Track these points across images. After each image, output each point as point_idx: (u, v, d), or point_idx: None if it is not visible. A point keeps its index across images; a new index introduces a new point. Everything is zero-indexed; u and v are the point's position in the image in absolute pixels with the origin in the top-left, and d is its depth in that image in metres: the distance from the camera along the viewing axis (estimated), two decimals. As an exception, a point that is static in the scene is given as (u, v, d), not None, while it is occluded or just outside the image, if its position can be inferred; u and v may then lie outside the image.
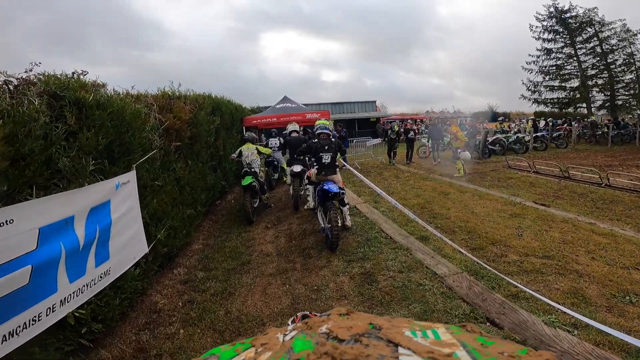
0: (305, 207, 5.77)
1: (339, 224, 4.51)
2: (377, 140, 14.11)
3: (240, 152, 6.81)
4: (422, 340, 0.32)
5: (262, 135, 13.49)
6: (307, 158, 6.11)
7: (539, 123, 17.59)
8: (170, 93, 5.40)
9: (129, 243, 3.36)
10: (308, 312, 1.33)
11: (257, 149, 6.84)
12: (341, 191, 4.69)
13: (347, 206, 5.26)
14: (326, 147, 4.94)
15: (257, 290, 3.99)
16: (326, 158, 4.92)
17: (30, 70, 2.72)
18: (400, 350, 0.30)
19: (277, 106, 11.89)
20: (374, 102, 26.98)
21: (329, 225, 4.52)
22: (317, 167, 5.03)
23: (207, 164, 6.76)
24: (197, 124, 5.70)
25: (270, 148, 10.04)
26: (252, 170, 6.61)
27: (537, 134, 15.22)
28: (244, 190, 6.49)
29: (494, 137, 13.71)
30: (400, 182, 9.12)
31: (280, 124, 11.03)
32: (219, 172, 7.70)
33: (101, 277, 2.91)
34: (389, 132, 12.59)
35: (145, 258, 3.87)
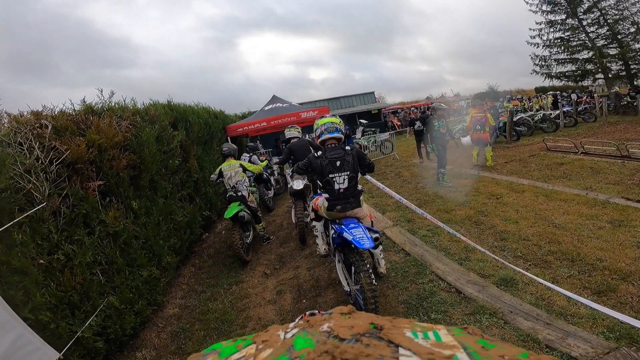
0: (318, 252, 3.57)
1: (374, 284, 2.69)
2: (386, 135, 12.23)
3: (221, 171, 5.07)
4: (423, 341, 0.31)
5: (258, 142, 11.65)
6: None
7: (561, 98, 15.84)
8: (92, 107, 3.55)
9: None
10: (316, 311, 1.25)
11: (241, 165, 5.12)
12: (375, 237, 2.84)
13: (381, 247, 3.33)
14: (338, 163, 2.88)
15: None
16: (341, 182, 2.89)
17: None
18: (401, 351, 0.29)
19: (266, 108, 9.94)
20: (372, 93, 25.05)
21: (358, 287, 2.72)
22: (327, 196, 3.00)
23: (175, 196, 4.96)
24: (141, 146, 3.88)
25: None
26: (239, 194, 4.95)
27: (564, 109, 13.39)
28: (232, 223, 4.85)
29: (518, 117, 11.90)
30: (429, 185, 7.26)
31: (272, 128, 9.21)
32: (197, 201, 5.90)
33: None
34: (417, 123, 9.53)
35: None
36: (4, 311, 2.00)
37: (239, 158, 6.66)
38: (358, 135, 14.30)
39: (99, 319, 2.81)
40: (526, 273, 2.73)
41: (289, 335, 0.37)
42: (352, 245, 2.73)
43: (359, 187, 3.05)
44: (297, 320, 1.52)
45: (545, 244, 3.73)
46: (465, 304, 2.92)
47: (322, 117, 3.15)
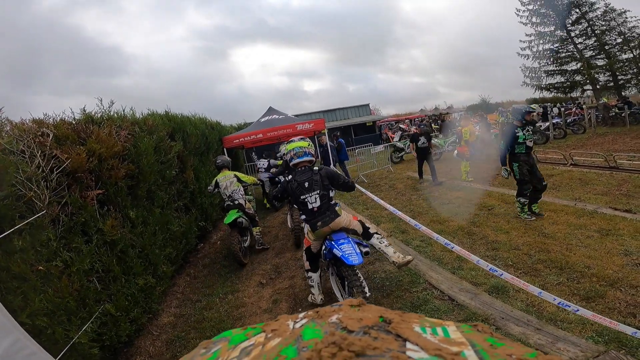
0: (309, 299, 3.52)
1: (367, 295, 2.74)
2: (381, 147, 12.38)
3: (217, 182, 5.40)
4: (431, 337, 0.31)
5: (253, 154, 11.72)
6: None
7: (550, 110, 16.16)
8: (92, 116, 3.61)
9: None
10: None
11: (235, 175, 5.44)
12: (365, 251, 2.92)
13: (384, 240, 3.18)
14: (307, 184, 2.99)
15: None
16: (312, 201, 2.99)
17: None
18: (408, 345, 0.29)
19: (262, 120, 10.05)
20: (367, 105, 25.27)
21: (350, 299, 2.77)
22: (304, 217, 3.11)
23: (172, 206, 4.99)
24: (139, 156, 3.92)
25: (258, 170, 8.70)
26: (236, 202, 5.25)
27: (554, 122, 13.69)
28: (230, 229, 5.19)
29: (509, 130, 12.13)
30: (423, 196, 7.38)
31: (269, 139, 9.27)
32: (193, 211, 5.92)
33: None
34: (420, 139, 8.33)
35: None
36: (2, 316, 2.02)
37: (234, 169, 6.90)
38: (396, 138, 15.26)
39: (95, 325, 2.80)
40: (514, 278, 2.80)
41: (298, 325, 0.37)
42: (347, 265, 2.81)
43: (332, 201, 3.11)
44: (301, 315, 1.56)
45: (535, 253, 3.82)
46: (458, 311, 2.98)
47: (291, 141, 3.22)
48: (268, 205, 8.49)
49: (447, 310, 3.01)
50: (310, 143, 3.21)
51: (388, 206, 3.74)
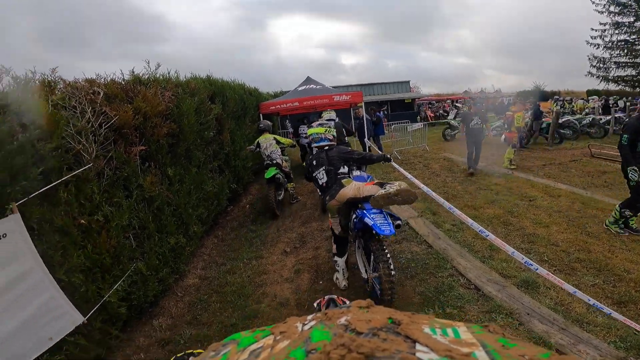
0: (334, 278, 3.54)
1: (392, 274, 2.72)
2: (419, 125, 11.91)
3: (258, 143, 6.25)
4: (441, 338, 0.31)
5: (287, 122, 11.76)
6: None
7: (614, 103, 14.74)
8: (140, 77, 3.72)
9: (31, 325, 2.01)
10: (335, 296, 1.45)
11: (275, 138, 6.23)
12: (397, 224, 2.83)
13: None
14: (315, 162, 3.30)
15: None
16: (321, 177, 3.25)
17: None
18: (418, 347, 0.29)
19: (300, 89, 9.93)
20: (408, 82, 24.22)
21: (376, 274, 2.76)
22: (319, 194, 3.41)
23: (207, 167, 5.14)
24: (181, 116, 4.03)
25: (300, 135, 9.52)
26: (274, 161, 6.02)
27: (616, 115, 12.43)
28: (268, 183, 5.98)
29: (564, 119, 11.18)
30: (459, 179, 7.10)
31: (304, 108, 9.21)
32: (226, 173, 6.08)
33: None
34: (474, 119, 7.27)
35: (91, 324, 2.39)
36: (41, 272, 2.10)
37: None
38: (451, 116, 15.63)
39: (125, 284, 2.89)
40: (547, 273, 2.67)
41: (306, 327, 0.37)
42: (373, 232, 2.77)
43: (341, 176, 3.21)
44: (315, 304, 1.54)
45: (574, 251, 3.61)
46: (483, 302, 2.92)
47: (311, 126, 3.56)
48: None
49: (471, 300, 2.95)
50: (329, 128, 3.40)
51: (421, 185, 3.61)
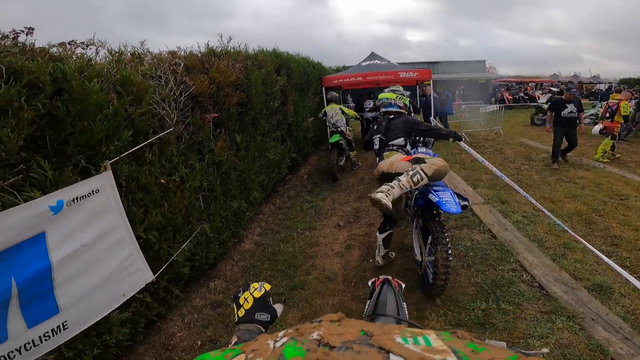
0: (377, 260, 3.50)
1: (450, 259, 2.63)
2: (494, 107, 10.96)
3: (325, 112, 6.95)
4: (413, 346, 0.32)
5: (348, 96, 11.65)
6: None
7: None
8: (214, 50, 3.95)
9: (110, 280, 2.15)
10: (390, 277, 1.52)
11: (340, 109, 6.86)
12: (463, 204, 2.66)
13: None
14: (375, 128, 3.39)
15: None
16: (375, 144, 3.33)
17: None
18: (392, 357, 0.30)
19: (363, 64, 9.70)
20: (484, 62, 22.19)
21: (432, 259, 2.69)
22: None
23: (270, 135, 5.36)
24: (250, 87, 4.23)
25: (365, 109, 9.78)
26: (338, 129, 6.66)
27: None
28: (331, 148, 6.62)
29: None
30: (536, 168, 6.46)
31: (368, 83, 9.01)
32: (288, 142, 6.27)
33: (47, 336, 1.78)
34: (568, 107, 6.20)
35: (158, 283, 2.70)
36: (124, 229, 2.23)
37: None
38: (543, 99, 14.40)
39: (191, 244, 3.08)
40: (629, 276, 2.39)
41: (278, 344, 0.36)
42: (434, 211, 2.67)
43: (392, 147, 3.14)
44: (369, 283, 1.54)
45: (667, 261, 3.16)
46: (544, 301, 2.73)
47: (383, 90, 3.51)
48: None
49: (531, 298, 2.77)
50: (400, 95, 3.32)
51: (494, 168, 3.36)
